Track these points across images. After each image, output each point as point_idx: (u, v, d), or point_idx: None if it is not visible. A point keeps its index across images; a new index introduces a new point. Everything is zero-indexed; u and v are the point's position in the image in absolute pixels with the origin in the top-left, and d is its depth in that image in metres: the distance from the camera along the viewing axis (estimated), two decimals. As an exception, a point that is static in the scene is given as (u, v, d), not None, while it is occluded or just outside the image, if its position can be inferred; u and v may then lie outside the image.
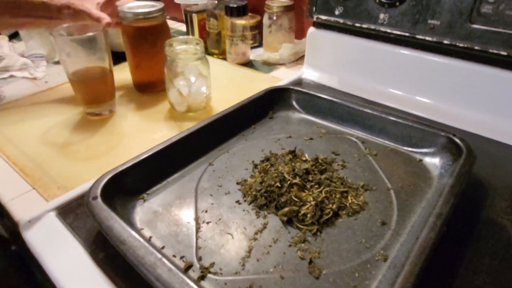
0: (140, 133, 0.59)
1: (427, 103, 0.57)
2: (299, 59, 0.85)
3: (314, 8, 0.63)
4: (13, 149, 0.55)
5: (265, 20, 0.83)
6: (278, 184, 0.39)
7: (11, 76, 0.80)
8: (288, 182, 0.39)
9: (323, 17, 0.63)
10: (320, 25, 0.66)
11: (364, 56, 0.61)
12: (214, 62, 0.85)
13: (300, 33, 0.86)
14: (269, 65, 0.83)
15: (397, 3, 0.55)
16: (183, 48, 0.62)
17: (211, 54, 0.89)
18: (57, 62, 0.86)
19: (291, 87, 0.57)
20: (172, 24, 1.12)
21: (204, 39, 0.90)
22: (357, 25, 0.59)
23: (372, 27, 0.57)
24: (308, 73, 0.70)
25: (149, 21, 0.64)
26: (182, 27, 1.10)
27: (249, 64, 0.84)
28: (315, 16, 0.64)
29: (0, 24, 0.60)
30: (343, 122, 0.53)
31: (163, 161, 0.43)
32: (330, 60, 0.67)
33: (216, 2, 0.82)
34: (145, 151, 0.43)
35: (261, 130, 0.53)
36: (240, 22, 0.79)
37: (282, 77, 0.77)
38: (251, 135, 0.52)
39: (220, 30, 0.84)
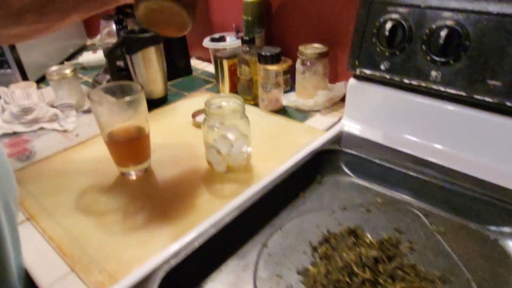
0: (179, 198, 0.56)
1: (489, 165, 0.53)
2: (334, 104, 0.82)
3: (356, 62, 0.61)
4: (48, 220, 0.53)
5: (298, 66, 0.81)
6: (347, 279, 0.35)
7: (41, 128, 0.78)
8: (359, 277, 0.35)
9: (367, 71, 0.60)
10: (362, 77, 0.63)
11: (413, 111, 0.58)
12: (246, 108, 0.83)
13: (333, 77, 0.84)
14: (303, 112, 0.80)
15: (451, 62, 0.52)
16: (224, 105, 0.60)
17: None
18: (86, 111, 0.84)
19: (340, 148, 0.54)
20: (198, 64, 1.11)
21: (234, 84, 0.88)
22: (406, 81, 0.56)
23: (423, 84, 0.54)
24: (349, 125, 0.67)
25: None
26: (208, 67, 1.09)
27: (282, 110, 0.82)
28: (357, 70, 0.61)
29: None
30: (401, 189, 0.49)
31: (216, 246, 0.40)
32: (373, 113, 0.64)
33: (247, 49, 0.80)
34: (196, 237, 0.40)
35: (312, 199, 0.50)
36: (274, 68, 0.76)
37: (319, 126, 0.74)
38: (302, 206, 0.49)
39: (252, 77, 0.82)
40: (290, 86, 0.90)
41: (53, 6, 0.49)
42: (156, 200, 0.56)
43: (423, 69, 0.54)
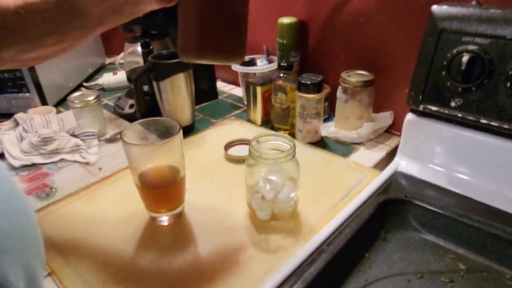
0: (218, 250, 0.49)
1: None
2: (378, 136, 0.75)
3: (420, 97, 0.54)
4: (71, 277, 0.46)
5: (340, 94, 0.74)
6: None
7: (62, 159, 0.72)
8: None
9: (433, 108, 0.53)
10: (424, 113, 0.56)
11: (489, 155, 0.51)
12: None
13: (376, 106, 0.77)
14: (344, 144, 0.73)
15: (542, 100, 0.44)
16: (271, 145, 0.53)
17: (276, 129, 0.80)
18: (110, 140, 0.78)
19: (408, 198, 0.47)
20: (223, 87, 1.05)
21: (267, 112, 0.82)
22: (483, 121, 0.49)
23: (505, 126, 0.47)
24: (404, 165, 0.59)
25: None
26: (234, 90, 1.03)
27: (320, 142, 0.75)
28: (421, 106, 0.54)
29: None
30: (486, 252, 0.42)
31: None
32: (436, 153, 0.56)
33: (284, 75, 0.74)
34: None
35: (379, 262, 0.42)
36: (315, 98, 0.70)
37: (366, 162, 0.67)
38: (369, 271, 0.41)
39: (289, 105, 0.76)
40: (327, 114, 0.83)
41: (74, 24, 0.46)
42: (192, 251, 0.49)
43: (506, 109, 0.46)
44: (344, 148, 0.73)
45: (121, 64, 1.16)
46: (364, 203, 0.51)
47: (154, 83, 0.76)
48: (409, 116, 0.58)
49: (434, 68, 0.52)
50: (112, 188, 0.63)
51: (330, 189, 0.60)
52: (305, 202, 0.56)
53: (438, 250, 0.43)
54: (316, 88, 0.69)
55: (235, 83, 1.06)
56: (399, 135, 0.75)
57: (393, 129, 0.76)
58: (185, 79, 0.75)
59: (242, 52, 0.44)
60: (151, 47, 0.80)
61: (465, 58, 0.46)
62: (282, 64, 0.73)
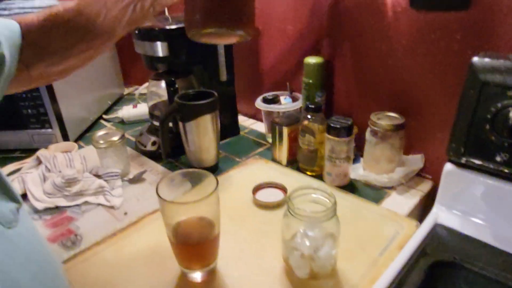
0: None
1: None
2: (409, 180, 0.73)
3: (462, 149, 0.52)
4: None
5: (369, 136, 0.73)
6: None
7: (86, 202, 0.71)
8: None
9: (477, 161, 0.51)
10: (464, 165, 0.54)
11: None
12: (307, 182, 0.75)
13: (407, 148, 0.75)
14: (374, 189, 0.71)
15: None
16: (309, 198, 0.51)
17: (302, 170, 0.78)
18: (133, 181, 0.77)
19: (458, 261, 0.44)
20: (243, 121, 1.04)
21: (292, 152, 0.80)
22: (533, 179, 0.47)
23: (558, 185, 0.45)
24: (443, 217, 0.57)
25: None
26: (256, 126, 1.02)
27: (349, 185, 0.73)
28: (463, 159, 0.52)
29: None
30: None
31: None
32: (477, 206, 0.54)
33: (312, 117, 0.73)
34: None
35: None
36: (344, 141, 0.68)
37: (399, 209, 0.65)
38: None
39: (317, 147, 0.74)
40: (354, 155, 0.81)
41: (98, 29, 0.46)
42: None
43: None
44: (374, 192, 0.71)
45: (142, 95, 1.16)
46: (408, 263, 0.48)
47: (180, 124, 0.75)
48: (448, 166, 0.57)
49: (476, 121, 0.50)
50: (140, 236, 0.61)
51: (366, 241, 0.58)
52: (342, 256, 0.54)
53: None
54: (346, 131, 0.68)
55: (255, 117, 1.06)
56: (431, 179, 0.74)
57: (424, 172, 0.74)
58: (211, 120, 0.74)
59: (250, 22, 0.47)
60: (176, 86, 0.80)
61: (513, 114, 0.45)
62: (310, 106, 0.72)
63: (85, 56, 0.50)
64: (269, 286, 0.50)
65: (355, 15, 0.74)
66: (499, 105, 0.47)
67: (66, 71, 0.51)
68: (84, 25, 0.46)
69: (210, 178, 0.49)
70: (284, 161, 0.81)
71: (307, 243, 0.49)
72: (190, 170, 0.51)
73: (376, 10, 0.70)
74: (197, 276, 0.51)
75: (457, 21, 0.61)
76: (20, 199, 0.37)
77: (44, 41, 0.45)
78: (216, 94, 0.74)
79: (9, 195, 0.36)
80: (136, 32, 0.81)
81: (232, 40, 0.50)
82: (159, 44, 0.78)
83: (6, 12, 0.86)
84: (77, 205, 0.70)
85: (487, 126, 0.49)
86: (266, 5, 0.89)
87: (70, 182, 0.72)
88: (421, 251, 0.50)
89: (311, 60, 0.80)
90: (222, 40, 0.59)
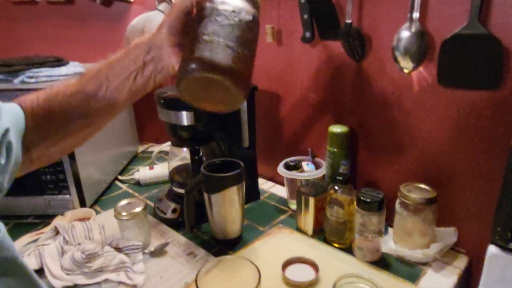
0: None
1: None
2: (443, 255, 0.70)
3: (509, 234, 0.50)
4: None
5: (399, 209, 0.71)
6: None
7: (106, 279, 0.67)
8: None
9: (527, 249, 0.49)
10: (509, 249, 0.52)
11: None
12: (337, 256, 0.72)
13: (439, 219, 0.73)
14: (407, 264, 0.68)
15: None
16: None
17: (329, 242, 0.75)
18: (154, 254, 0.74)
19: None
20: (262, 184, 1.02)
21: (319, 222, 0.78)
22: None
23: None
24: (491, 303, 0.54)
25: None
26: (275, 189, 1.00)
27: (381, 261, 0.70)
28: (510, 244, 0.50)
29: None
30: None
31: None
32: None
33: (339, 189, 0.72)
34: None
35: None
36: (376, 216, 0.67)
37: (438, 290, 0.61)
38: None
39: (346, 219, 0.72)
40: (383, 226, 0.79)
41: (97, 105, 0.46)
42: None
43: None
44: (409, 269, 0.68)
45: (158, 154, 1.16)
46: None
47: (205, 195, 0.73)
48: (493, 249, 0.54)
49: (524, 207, 0.49)
50: (166, 324, 0.57)
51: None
52: None
53: None
54: (378, 205, 0.66)
55: (274, 179, 1.04)
56: (465, 253, 0.71)
57: (457, 245, 0.72)
58: (237, 191, 0.73)
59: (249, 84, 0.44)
60: (200, 155, 0.80)
61: None
62: (337, 178, 0.72)
63: (85, 132, 0.50)
64: None
65: (379, 85, 0.75)
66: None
67: (65, 150, 0.51)
68: (86, 100, 0.46)
69: (251, 269, 0.47)
70: (310, 231, 0.78)
71: None
72: (233, 257, 0.49)
73: (401, 82, 0.71)
74: None
75: (487, 99, 0.62)
76: None
77: (45, 121, 0.45)
78: (242, 164, 0.73)
79: None
80: (162, 101, 0.82)
81: (219, 106, 0.47)
82: (184, 114, 0.79)
83: (33, 80, 0.88)
84: (97, 283, 0.67)
85: (536, 212, 0.48)
86: (287, 72, 0.91)
87: (90, 257, 0.69)
88: None
89: (336, 129, 0.80)
90: (211, 103, 0.48)
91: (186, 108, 0.79)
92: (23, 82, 0.86)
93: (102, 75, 0.46)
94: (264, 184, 1.03)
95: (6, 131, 0.39)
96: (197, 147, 0.80)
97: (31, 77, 0.88)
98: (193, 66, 0.41)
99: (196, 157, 0.79)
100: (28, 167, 0.48)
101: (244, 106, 0.85)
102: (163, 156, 1.21)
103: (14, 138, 0.40)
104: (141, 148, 1.33)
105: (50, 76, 0.90)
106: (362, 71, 0.77)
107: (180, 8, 0.45)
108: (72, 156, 0.87)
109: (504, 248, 0.53)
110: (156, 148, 1.17)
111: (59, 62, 0.94)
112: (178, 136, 0.84)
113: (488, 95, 0.61)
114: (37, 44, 1.26)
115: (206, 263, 0.48)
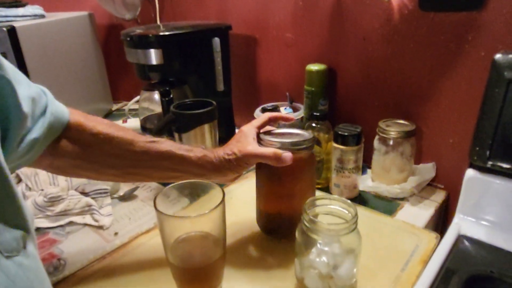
0: None
1: None
2: (421, 190, 0.68)
3: (487, 153, 0.48)
4: None
5: (378, 145, 0.69)
6: None
7: (71, 222, 0.64)
8: None
9: (504, 165, 0.47)
10: (489, 170, 0.50)
11: None
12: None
13: (417, 156, 0.71)
14: (384, 200, 0.67)
15: None
16: (326, 209, 0.46)
17: (307, 183, 0.73)
18: (123, 198, 0.70)
19: (496, 275, 0.40)
20: (240, 135, 0.99)
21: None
22: None
23: None
24: (467, 228, 0.53)
25: (298, 152, 0.49)
26: (253, 139, 0.97)
27: (359, 198, 0.68)
28: (489, 163, 0.49)
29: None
30: None
31: None
32: (505, 214, 0.50)
33: (316, 125, 0.69)
34: None
35: None
36: (353, 150, 0.64)
37: (415, 221, 0.60)
38: None
39: (323, 157, 0.70)
40: (361, 166, 0.77)
41: (137, 171, 0.50)
42: None
43: None
44: (386, 204, 0.66)
45: (131, 110, 1.11)
46: (437, 278, 0.43)
47: (176, 135, 0.69)
48: (470, 173, 0.53)
49: (503, 121, 0.47)
50: (133, 260, 0.54)
51: (385, 256, 0.52)
52: (361, 274, 0.48)
53: None
54: (355, 139, 0.64)
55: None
56: (443, 189, 0.70)
57: (435, 181, 0.70)
58: (210, 130, 0.69)
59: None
60: (171, 96, 0.75)
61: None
62: (314, 114, 0.68)
63: (113, 179, 0.55)
64: (283, 311, 0.44)
65: (358, 18, 0.71)
66: (527, 103, 0.44)
67: (87, 177, 0.56)
68: (136, 161, 0.48)
69: (215, 190, 0.43)
70: (287, 173, 0.75)
71: (325, 260, 0.43)
72: (191, 181, 0.45)
73: (381, 12, 0.68)
74: (200, 303, 0.45)
75: (469, 22, 0.58)
76: (31, 228, 0.32)
77: (93, 148, 0.47)
78: (214, 103, 0.69)
79: (18, 220, 0.31)
80: (128, 39, 0.77)
81: None
82: (152, 52, 0.74)
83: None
84: (61, 226, 0.63)
85: (515, 126, 0.45)
86: (263, 13, 0.86)
87: (54, 201, 0.65)
88: (449, 265, 0.45)
89: (313, 67, 0.76)
90: None
91: (154, 46, 0.74)
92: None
93: (165, 158, 0.48)
94: (242, 135, 1.00)
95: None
96: (168, 89, 0.75)
97: (-15, 17, 0.81)
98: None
99: (166, 99, 0.74)
100: (45, 168, 0.48)
101: (217, 46, 0.81)
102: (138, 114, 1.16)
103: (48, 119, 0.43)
104: (115, 106, 1.28)
105: (6, 16, 0.83)
106: (341, 4, 0.73)
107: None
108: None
109: (482, 169, 0.51)
110: (130, 102, 1.11)
111: (16, 3, 0.87)
112: (148, 78, 0.79)
113: (470, 17, 0.58)
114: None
115: (163, 189, 0.45)
